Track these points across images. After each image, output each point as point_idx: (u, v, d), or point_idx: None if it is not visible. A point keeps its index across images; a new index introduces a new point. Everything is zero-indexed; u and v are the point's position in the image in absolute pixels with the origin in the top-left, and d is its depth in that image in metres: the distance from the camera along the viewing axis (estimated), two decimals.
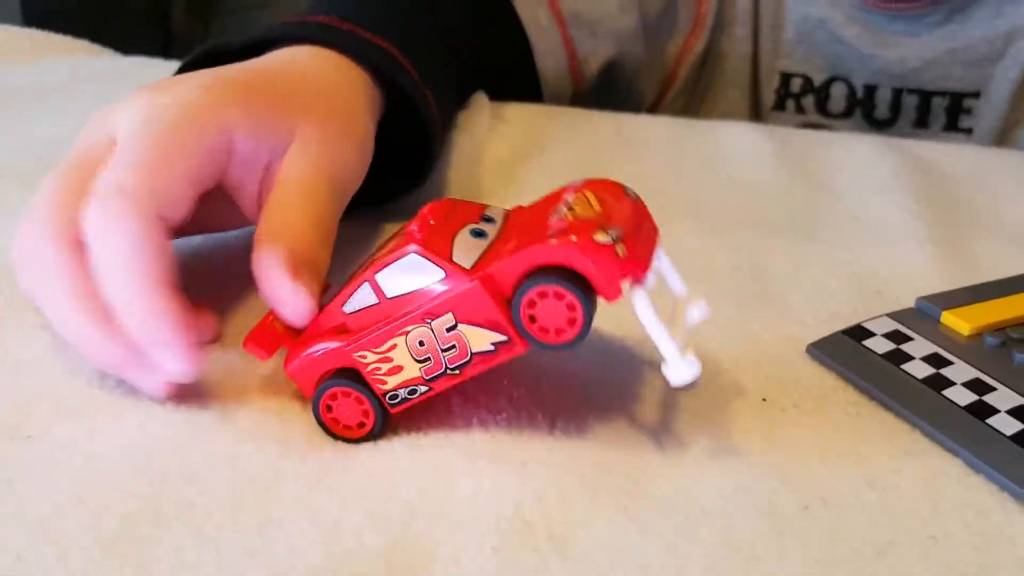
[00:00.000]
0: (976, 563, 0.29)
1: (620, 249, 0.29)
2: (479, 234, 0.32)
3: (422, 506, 0.30)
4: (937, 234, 0.48)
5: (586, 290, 0.29)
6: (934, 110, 0.65)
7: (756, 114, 0.69)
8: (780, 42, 0.67)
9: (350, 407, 0.33)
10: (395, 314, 0.31)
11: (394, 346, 0.32)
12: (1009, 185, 0.53)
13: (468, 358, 0.31)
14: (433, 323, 0.31)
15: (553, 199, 0.33)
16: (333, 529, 0.29)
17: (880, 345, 0.37)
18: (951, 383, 0.35)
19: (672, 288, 0.33)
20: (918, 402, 0.35)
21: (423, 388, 0.32)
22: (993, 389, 0.35)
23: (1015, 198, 0.52)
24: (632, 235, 0.30)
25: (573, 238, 0.29)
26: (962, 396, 0.35)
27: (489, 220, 0.33)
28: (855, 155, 0.56)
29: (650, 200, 0.51)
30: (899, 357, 0.37)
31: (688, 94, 0.70)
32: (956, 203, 0.51)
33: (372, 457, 0.33)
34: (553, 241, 0.29)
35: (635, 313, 0.30)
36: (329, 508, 0.30)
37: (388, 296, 0.32)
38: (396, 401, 0.33)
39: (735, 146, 0.58)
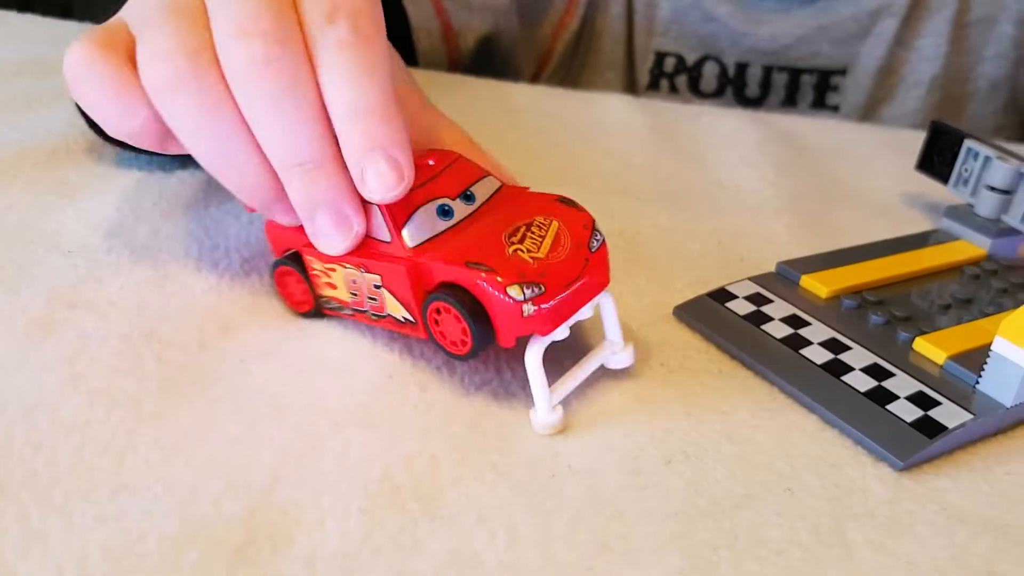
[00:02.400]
0: (830, 513, 0.30)
1: (528, 308, 0.30)
2: (446, 213, 0.33)
3: (286, 471, 0.30)
4: (798, 204, 0.49)
5: (484, 323, 0.31)
6: (803, 87, 0.67)
7: (631, 94, 0.70)
8: (655, 21, 0.68)
9: (296, 287, 0.36)
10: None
11: (334, 269, 0.34)
12: (869, 158, 0.55)
13: (384, 314, 0.34)
14: (365, 274, 0.33)
15: (531, 207, 0.34)
16: (189, 496, 0.28)
17: (741, 307, 0.38)
18: (808, 342, 0.36)
19: (607, 333, 0.35)
20: (776, 361, 0.36)
21: (348, 311, 0.35)
22: (848, 348, 0.36)
23: (874, 170, 0.54)
24: (556, 290, 0.31)
25: (496, 280, 0.30)
26: (818, 355, 0.36)
27: (469, 198, 0.33)
28: (722, 128, 0.57)
29: (528, 166, 0.52)
30: (759, 318, 0.38)
31: (564, 72, 0.71)
32: (817, 174, 0.53)
33: (233, 423, 0.31)
34: (479, 275, 0.30)
35: (525, 360, 0.31)
36: (185, 475, 0.29)
37: (363, 229, 0.33)
38: (328, 306, 0.36)
39: (610, 117, 0.59)
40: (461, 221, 0.33)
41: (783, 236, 0.46)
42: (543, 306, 0.31)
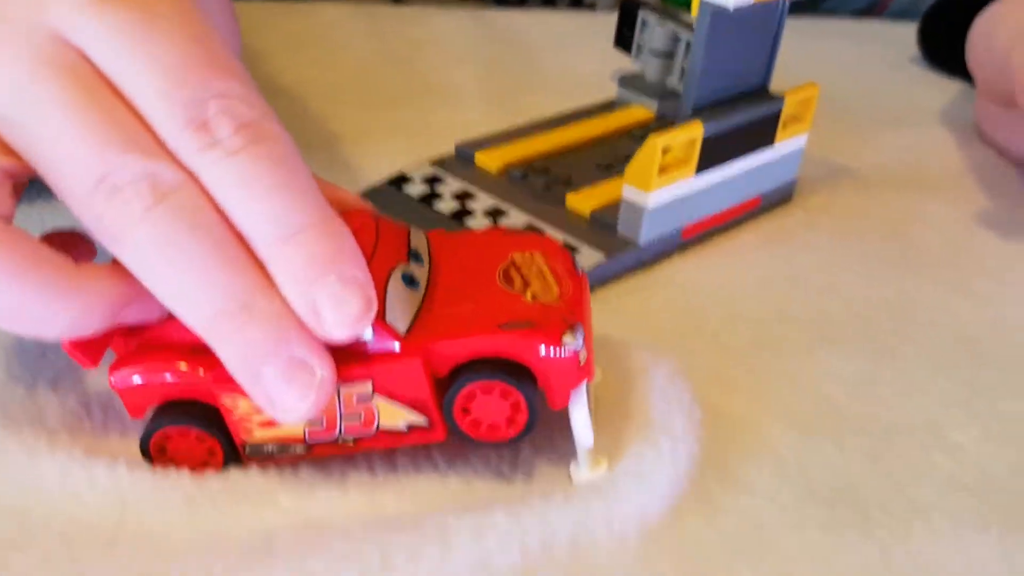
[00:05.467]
0: None
1: (583, 356, 0.25)
2: (411, 282, 0.27)
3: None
4: (499, 94, 0.52)
5: (533, 388, 0.25)
6: None
7: None
8: None
9: (192, 448, 0.26)
10: None
11: None
12: (575, 44, 0.58)
13: (372, 432, 0.26)
14: (342, 388, 0.25)
15: (493, 247, 0.28)
16: None
17: (416, 189, 0.41)
18: (471, 213, 0.39)
19: None
20: None
21: (299, 449, 0.26)
22: (506, 213, 0.39)
23: (582, 56, 0.57)
24: (588, 325, 0.27)
25: (547, 335, 0.25)
26: (479, 222, 0.39)
27: (417, 258, 0.28)
28: (438, 30, 0.59)
29: None
30: (431, 197, 0.40)
31: None
32: (522, 65, 0.56)
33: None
34: (526, 335, 0.25)
35: (569, 411, 0.26)
36: None
37: (331, 373, 0.25)
38: (257, 454, 0.27)
39: (328, 25, 0.60)
40: (426, 288, 0.27)
41: (482, 125, 0.48)
42: (589, 347, 0.26)
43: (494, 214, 0.39)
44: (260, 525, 0.25)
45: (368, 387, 0.25)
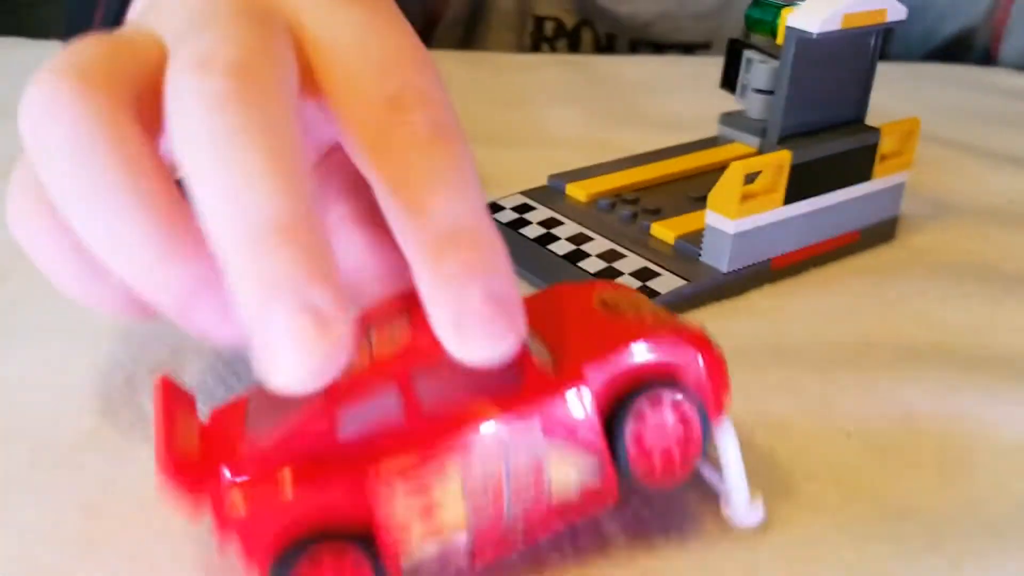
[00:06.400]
0: None
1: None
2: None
3: None
4: (596, 134, 0.53)
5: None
6: None
7: None
8: None
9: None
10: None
11: (439, 468, 0.20)
12: (671, 86, 0.59)
13: (543, 504, 0.21)
14: (507, 433, 0.20)
15: (568, 294, 0.26)
16: None
17: (506, 216, 0.42)
18: (556, 239, 0.40)
19: None
20: (526, 257, 0.39)
21: (462, 544, 0.21)
22: (591, 239, 0.39)
23: (669, 95, 0.57)
24: None
25: (697, 335, 0.23)
26: (563, 248, 0.39)
27: None
28: (545, 76, 0.61)
29: None
30: (519, 224, 0.41)
31: (465, 28, 0.73)
32: (620, 105, 0.56)
33: None
34: (676, 338, 0.22)
35: (718, 443, 0.24)
36: None
37: (426, 407, 0.21)
38: (417, 564, 0.21)
39: (444, 73, 0.62)
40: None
41: (579, 161, 0.49)
42: None
43: (577, 240, 0.39)
44: None
45: (537, 428, 0.20)
